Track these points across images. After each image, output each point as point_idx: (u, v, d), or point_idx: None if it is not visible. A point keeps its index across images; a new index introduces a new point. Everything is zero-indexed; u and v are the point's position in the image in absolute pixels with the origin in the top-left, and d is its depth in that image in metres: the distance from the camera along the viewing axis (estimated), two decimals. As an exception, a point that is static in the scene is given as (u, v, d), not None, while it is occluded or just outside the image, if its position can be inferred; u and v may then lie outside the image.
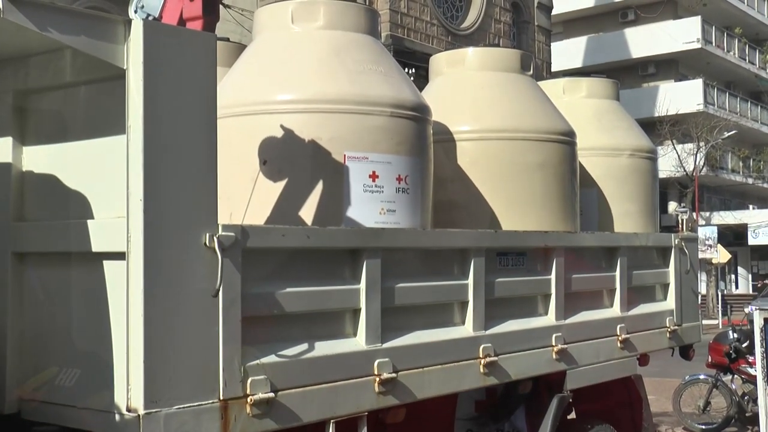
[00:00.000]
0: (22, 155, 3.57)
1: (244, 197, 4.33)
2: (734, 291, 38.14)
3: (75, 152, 3.45)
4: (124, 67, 3.10)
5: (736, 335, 10.85)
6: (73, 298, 3.35)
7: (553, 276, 5.11)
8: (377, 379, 3.87)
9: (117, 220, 3.12)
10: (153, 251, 3.04)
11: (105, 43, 3.06)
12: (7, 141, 3.55)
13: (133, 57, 3.08)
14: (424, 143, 4.71)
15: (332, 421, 3.68)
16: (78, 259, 3.32)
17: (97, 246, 3.23)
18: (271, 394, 3.38)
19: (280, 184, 4.31)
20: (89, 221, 3.28)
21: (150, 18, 3.92)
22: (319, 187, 4.30)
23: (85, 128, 3.42)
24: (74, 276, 3.35)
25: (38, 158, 3.54)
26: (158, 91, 3.09)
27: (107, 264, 3.21)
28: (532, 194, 5.44)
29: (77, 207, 3.37)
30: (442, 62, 5.98)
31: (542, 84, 6.47)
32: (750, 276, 40.21)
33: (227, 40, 5.90)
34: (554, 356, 5.04)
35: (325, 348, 3.71)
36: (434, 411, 4.73)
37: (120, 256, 3.08)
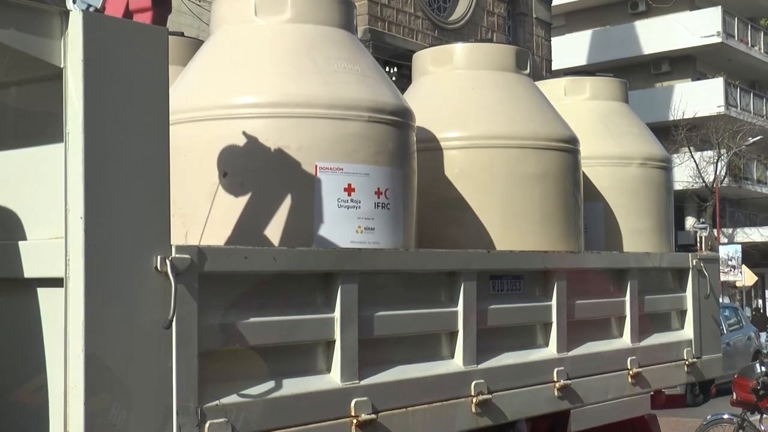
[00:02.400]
0: (-58, 167, 3.55)
1: (202, 215, 4.32)
2: (762, 318, 38.30)
3: (4, 163, 3.43)
4: (61, 66, 3.09)
5: (764, 369, 10.90)
6: (0, 331, 3.33)
7: (554, 302, 5.13)
8: (354, 421, 3.87)
9: (53, 242, 3.10)
10: (95, 277, 3.02)
11: (38, 37, 3.06)
12: (-75, 150, 3.53)
13: (71, 54, 3.07)
14: (406, 152, 4.73)
15: (303, 471, 3.67)
16: (6, 287, 3.30)
17: (29, 271, 3.21)
18: (232, 440, 3.37)
19: (243, 200, 4.31)
20: (20, 243, 3.27)
21: (91, 9, 3.92)
22: (287, 202, 4.30)
23: (16, 135, 3.41)
24: (2, 306, 3.32)
25: (-38, 170, 3.53)
26: (101, 92, 3.09)
27: (42, 292, 3.19)
28: (529, 209, 5.47)
29: (6, 226, 3.36)
30: (427, 60, 6.01)
31: (541, 84, 6.52)
32: (779, 301, 40.44)
33: (181, 34, 5.92)
34: (556, 393, 5.05)
35: (294, 386, 3.70)
36: None
37: (57, 282, 3.06)
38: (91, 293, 3.01)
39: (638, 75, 36.11)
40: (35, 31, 3.05)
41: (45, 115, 3.25)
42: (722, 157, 34.41)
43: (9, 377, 3.28)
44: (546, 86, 6.62)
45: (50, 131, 3.19)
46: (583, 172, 6.07)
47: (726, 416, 11.06)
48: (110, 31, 3.18)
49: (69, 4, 4.00)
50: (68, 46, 3.08)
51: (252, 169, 4.34)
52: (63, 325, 3.04)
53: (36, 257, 3.20)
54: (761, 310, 32.17)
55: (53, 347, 3.12)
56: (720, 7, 37.58)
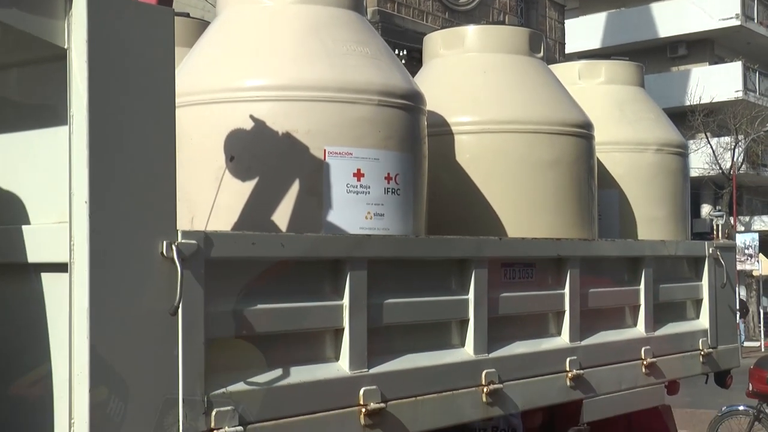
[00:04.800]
0: (-55, 150, 3.56)
1: (208, 199, 4.33)
2: (779, 308, 38.28)
3: (7, 146, 3.44)
4: (65, 47, 3.08)
5: (781, 360, 10.91)
6: (3, 317, 3.34)
7: (566, 290, 5.13)
8: (363, 410, 3.88)
9: (57, 226, 3.11)
10: (100, 262, 3.03)
11: (41, 17, 3.05)
12: (-74, 134, 3.54)
13: (75, 34, 3.06)
14: (417, 137, 4.72)
15: (311, 460, 3.69)
16: (10, 272, 3.30)
17: (33, 256, 3.22)
18: (240, 428, 3.38)
19: (250, 184, 4.31)
20: (24, 227, 3.28)
21: (96, -10, 3.92)
22: (295, 187, 4.30)
23: (19, 118, 3.42)
24: (5, 291, 3.34)
25: (-35, 154, 3.54)
26: (106, 74, 3.08)
27: (46, 277, 3.20)
28: (542, 196, 5.46)
29: (9, 210, 3.37)
30: (437, 42, 5.99)
31: (554, 68, 6.50)
32: (797, 291, 40.36)
33: (187, 15, 5.91)
34: (568, 383, 5.05)
35: (302, 374, 3.71)
36: None
37: (61, 267, 3.07)
38: (96, 279, 3.01)
39: (654, 59, 35.93)
40: (38, 11, 3.04)
41: (48, 97, 3.25)
42: (740, 144, 34.28)
43: (13, 364, 3.30)
44: (560, 70, 6.61)
45: (53, 114, 3.19)
46: (598, 159, 6.06)
47: (741, 408, 11.07)
48: (115, 11, 3.17)
49: (73, -17, 4.00)
50: (72, 26, 3.07)
51: (259, 153, 4.34)
52: (68, 311, 3.05)
53: (40, 242, 3.21)
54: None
55: (57, 333, 3.13)
56: (739, -12, 37.36)
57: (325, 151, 4.33)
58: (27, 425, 3.20)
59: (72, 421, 3.01)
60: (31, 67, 3.34)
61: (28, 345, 3.23)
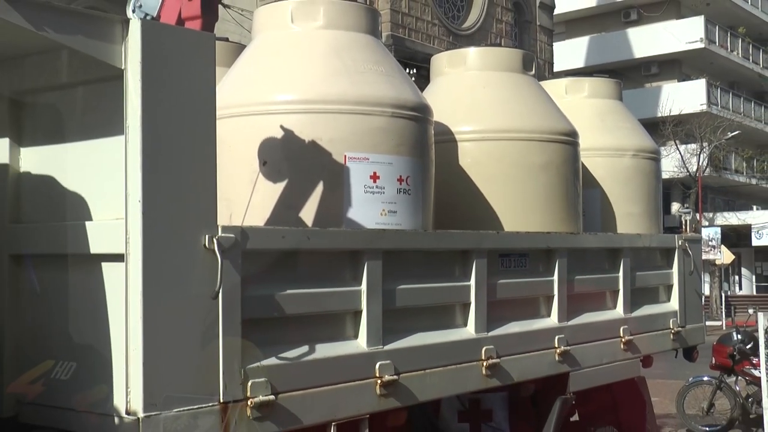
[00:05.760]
0: (19, 156, 3.55)
1: (244, 198, 4.31)
2: (738, 292, 38.11)
3: (72, 153, 3.43)
4: (122, 67, 3.08)
5: (739, 337, 10.85)
6: (70, 300, 3.34)
7: (555, 277, 5.09)
8: (378, 381, 3.86)
9: (115, 222, 3.10)
10: (152, 253, 3.02)
11: (102, 42, 3.05)
12: (4, 142, 3.54)
13: (131, 57, 3.07)
14: (425, 144, 4.70)
15: (333, 423, 3.67)
16: (76, 261, 3.31)
17: (95, 248, 3.21)
18: (272, 397, 3.37)
19: (280, 185, 4.29)
20: (87, 223, 3.27)
21: (148, 17, 3.91)
22: (319, 188, 4.28)
23: (83, 129, 3.41)
24: (72, 278, 3.34)
25: (35, 159, 3.53)
26: (156, 91, 3.08)
27: (105, 266, 3.19)
28: (534, 195, 5.42)
29: (75, 208, 3.36)
30: (443, 62, 5.96)
31: (544, 84, 6.46)
32: (754, 277, 40.18)
33: (226, 39, 5.89)
34: (557, 358, 5.02)
35: (325, 350, 3.69)
36: None
37: (118, 257, 3.07)
38: (147, 267, 3.01)
39: (630, 76, 35.80)
40: (99, 37, 3.04)
41: (107, 111, 3.24)
42: (704, 150, 34.08)
43: (78, 339, 3.29)
44: (549, 86, 6.56)
45: (112, 125, 3.18)
46: (582, 162, 6.02)
47: (706, 378, 11.04)
48: (165, 37, 3.17)
49: (129, 13, 4.01)
50: (128, 50, 3.08)
51: (288, 158, 4.33)
52: (124, 295, 3.05)
53: (100, 236, 3.20)
54: None
55: (116, 314, 3.12)
56: (703, 16, 37.23)
57: (345, 156, 4.31)
58: (90, 390, 3.20)
59: (128, 389, 3.01)
60: (93, 85, 3.33)
61: (91, 322, 3.22)
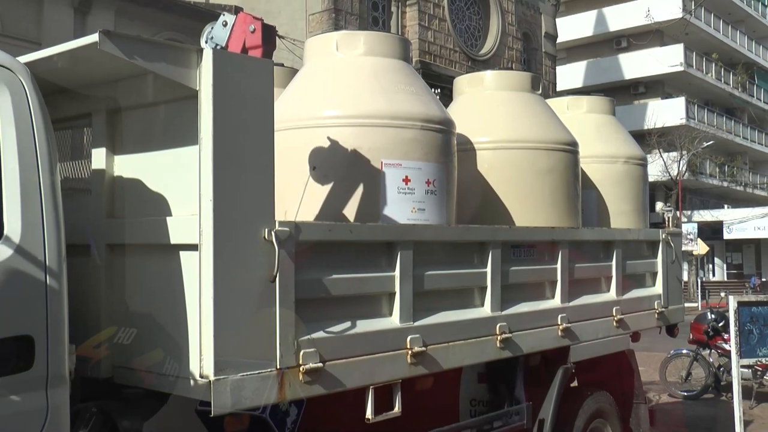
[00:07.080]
0: (113, 163, 3.57)
1: (297, 198, 4.30)
2: (711, 278, 37.66)
3: (156, 160, 3.45)
4: (197, 89, 3.09)
5: (713, 316, 10.76)
6: (154, 282, 3.35)
7: (558, 265, 5.03)
8: (409, 352, 3.84)
9: (191, 217, 3.11)
10: (221, 243, 3.03)
11: (181, 68, 3.07)
12: (102, 151, 3.57)
13: (204, 80, 3.07)
14: (449, 152, 4.65)
15: (371, 387, 3.66)
16: (158, 250, 3.32)
17: (174, 239, 3.22)
18: (320, 364, 3.36)
19: (327, 187, 4.28)
20: (168, 218, 3.28)
21: (218, 47, 3.91)
22: (360, 189, 4.26)
23: (164, 140, 3.42)
24: (155, 264, 3.35)
25: (126, 165, 3.55)
26: (225, 108, 3.08)
27: (183, 254, 3.20)
28: (541, 195, 5.36)
29: (158, 206, 3.37)
30: (464, 83, 5.91)
31: (549, 101, 6.37)
32: (725, 265, 39.71)
33: (282, 65, 5.88)
34: (560, 333, 4.96)
35: (365, 325, 3.68)
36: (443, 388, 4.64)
37: (193, 247, 3.07)
38: (217, 255, 3.02)
39: (621, 95, 35.46)
40: (179, 64, 3.06)
41: (184, 125, 3.24)
42: (683, 157, 33.64)
43: (161, 314, 3.30)
44: (553, 103, 6.47)
45: (188, 137, 3.19)
46: (581, 168, 5.93)
47: (684, 351, 10.94)
48: (232, 63, 3.17)
49: (202, 43, 4.00)
50: (202, 74, 3.08)
51: (334, 164, 4.30)
52: (198, 278, 3.05)
53: (178, 229, 3.21)
54: None
55: (191, 294, 3.13)
56: (682, 44, 36.81)
57: (382, 162, 4.28)
58: (170, 357, 3.21)
59: (201, 357, 3.03)
60: (173, 103, 3.34)
61: (171, 300, 3.23)
